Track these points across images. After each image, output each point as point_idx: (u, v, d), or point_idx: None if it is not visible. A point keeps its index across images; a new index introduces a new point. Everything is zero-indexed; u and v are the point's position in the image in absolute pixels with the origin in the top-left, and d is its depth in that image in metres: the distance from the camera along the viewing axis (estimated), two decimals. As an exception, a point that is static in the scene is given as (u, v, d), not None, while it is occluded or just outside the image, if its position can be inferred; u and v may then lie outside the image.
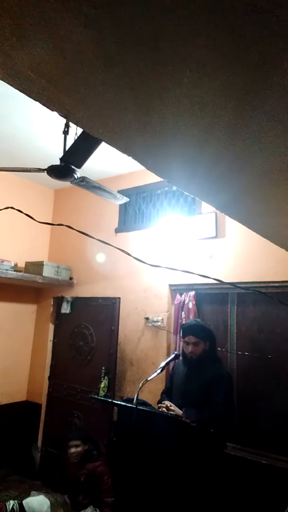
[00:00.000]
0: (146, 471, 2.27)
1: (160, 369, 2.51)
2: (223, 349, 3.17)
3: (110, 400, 3.24)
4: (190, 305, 3.30)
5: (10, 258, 3.97)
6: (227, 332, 3.24)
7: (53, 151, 3.38)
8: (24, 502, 2.81)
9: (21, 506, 2.74)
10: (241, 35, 0.56)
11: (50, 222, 4.58)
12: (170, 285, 3.55)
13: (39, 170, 2.40)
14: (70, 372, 4.11)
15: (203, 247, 3.37)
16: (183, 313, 3.34)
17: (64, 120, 2.45)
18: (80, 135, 2.17)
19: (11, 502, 2.74)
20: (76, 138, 2.27)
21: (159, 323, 3.49)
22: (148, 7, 0.52)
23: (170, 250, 3.56)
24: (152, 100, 0.72)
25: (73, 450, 3.16)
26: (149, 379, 2.38)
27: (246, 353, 3.10)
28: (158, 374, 2.50)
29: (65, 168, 2.31)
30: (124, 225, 4.06)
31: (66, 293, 4.31)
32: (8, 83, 0.70)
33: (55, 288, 4.38)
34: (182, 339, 2.70)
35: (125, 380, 3.65)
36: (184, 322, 3.08)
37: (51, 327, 4.41)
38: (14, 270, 3.82)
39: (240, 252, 3.16)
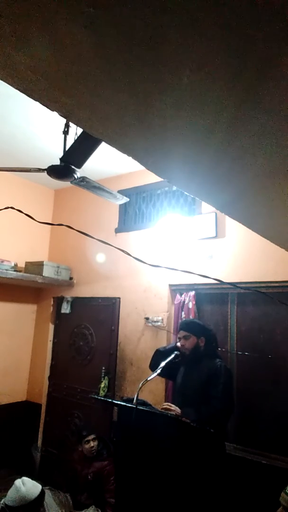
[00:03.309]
0: (146, 471, 2.27)
1: (160, 369, 2.50)
2: (223, 349, 3.17)
3: (110, 400, 3.23)
4: (190, 305, 3.29)
5: (10, 258, 3.96)
6: (227, 332, 3.24)
7: (53, 151, 3.38)
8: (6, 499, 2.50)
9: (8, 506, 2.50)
10: (241, 34, 0.56)
11: (50, 222, 4.58)
12: (170, 285, 3.55)
13: (39, 170, 2.40)
14: (70, 372, 4.11)
15: (203, 247, 3.37)
16: (183, 313, 3.34)
17: (64, 120, 2.45)
18: (80, 135, 2.17)
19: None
20: (76, 138, 2.27)
21: (159, 323, 3.49)
22: (148, 7, 0.52)
23: (170, 250, 3.56)
24: (152, 100, 0.72)
25: (91, 444, 3.18)
26: (149, 379, 2.38)
27: (246, 353, 3.10)
28: (158, 374, 2.49)
29: (65, 168, 2.30)
30: (124, 225, 4.06)
31: (66, 293, 4.31)
32: (8, 83, 0.70)
33: (55, 288, 4.37)
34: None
35: (125, 380, 3.65)
36: None
37: (51, 327, 4.41)
38: (14, 270, 3.82)
39: (240, 252, 3.16)
